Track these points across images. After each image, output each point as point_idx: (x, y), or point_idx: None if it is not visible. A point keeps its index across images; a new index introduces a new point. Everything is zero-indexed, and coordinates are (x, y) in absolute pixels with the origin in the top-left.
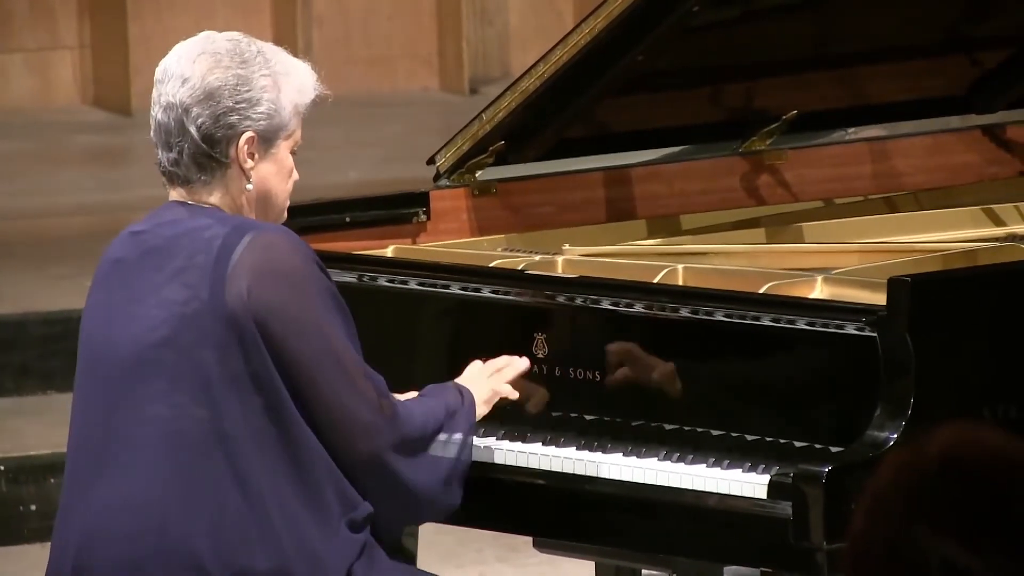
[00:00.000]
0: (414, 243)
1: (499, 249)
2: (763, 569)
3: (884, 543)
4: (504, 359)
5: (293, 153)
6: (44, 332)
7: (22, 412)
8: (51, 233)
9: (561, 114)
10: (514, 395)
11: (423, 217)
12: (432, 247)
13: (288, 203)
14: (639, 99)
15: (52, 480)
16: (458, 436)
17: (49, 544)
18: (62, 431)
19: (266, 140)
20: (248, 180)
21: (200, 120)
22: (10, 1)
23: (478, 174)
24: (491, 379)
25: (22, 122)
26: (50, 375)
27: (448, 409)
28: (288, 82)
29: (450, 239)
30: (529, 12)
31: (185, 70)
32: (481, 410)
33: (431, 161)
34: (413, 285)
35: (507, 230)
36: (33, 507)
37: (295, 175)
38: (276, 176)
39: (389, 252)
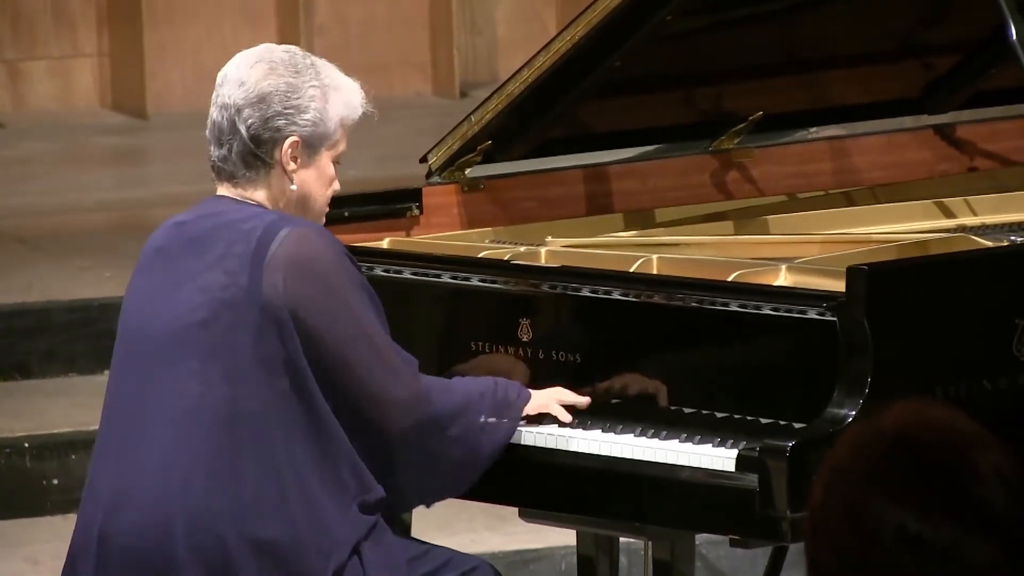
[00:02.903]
0: (408, 236)
1: (487, 241)
2: (732, 536)
3: (842, 512)
4: (571, 392)
5: (336, 163)
6: (67, 319)
7: (46, 393)
8: (74, 228)
9: (544, 116)
10: (567, 418)
11: (416, 212)
12: (425, 239)
13: (327, 208)
14: (616, 102)
15: (73, 456)
16: (502, 422)
17: (69, 515)
18: (83, 411)
19: (310, 146)
20: (292, 182)
21: (250, 121)
22: (35, 13)
23: (467, 171)
24: (553, 395)
25: (46, 125)
26: (73, 359)
27: (499, 392)
28: (337, 96)
29: (441, 232)
30: (515, 22)
31: (243, 75)
32: (530, 410)
33: (423, 160)
34: (407, 275)
35: (494, 223)
36: (56, 481)
37: (336, 184)
38: (316, 181)
39: (385, 244)
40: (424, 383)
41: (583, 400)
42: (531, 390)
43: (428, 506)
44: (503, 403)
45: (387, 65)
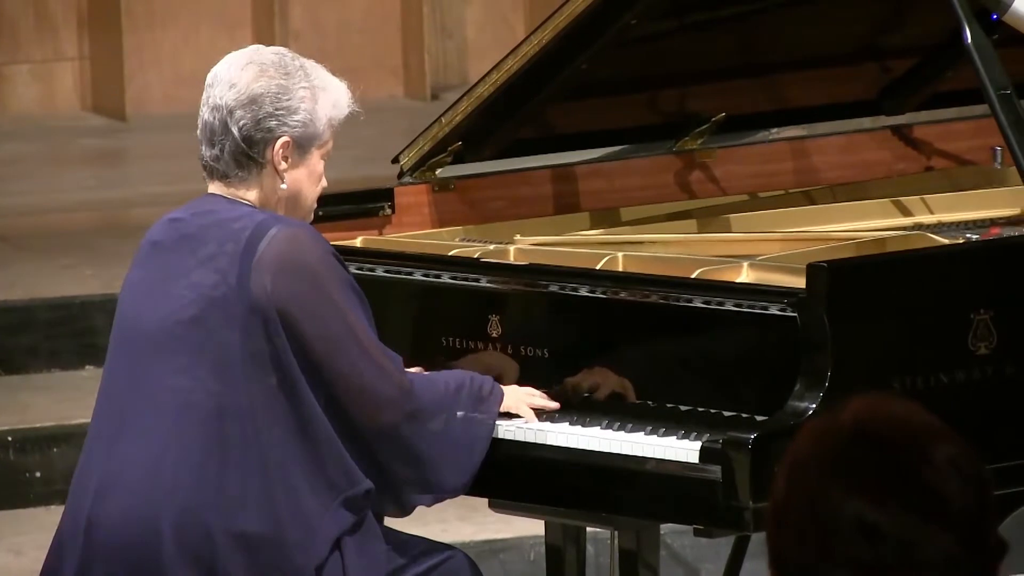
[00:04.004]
0: (381, 234)
1: (457, 239)
2: (696, 526)
3: (802, 502)
4: (541, 394)
5: (324, 161)
6: (50, 316)
7: (29, 388)
8: (56, 227)
9: (513, 117)
10: (533, 420)
11: (389, 211)
12: (397, 238)
13: (315, 206)
14: (583, 103)
15: (56, 450)
16: (479, 416)
17: (52, 508)
18: (66, 406)
19: (300, 146)
20: (282, 181)
21: (242, 122)
22: (17, 18)
23: (438, 172)
24: (524, 398)
25: (28, 127)
26: (56, 355)
27: (474, 386)
28: (325, 96)
29: (413, 231)
30: (485, 27)
31: (233, 76)
32: (502, 408)
33: (396, 160)
34: (380, 272)
35: (464, 222)
36: (38, 474)
37: (324, 182)
38: (307, 180)
39: (358, 242)
40: (408, 378)
41: (552, 404)
42: (503, 387)
43: (430, 504)
44: (479, 398)
45: (360, 69)
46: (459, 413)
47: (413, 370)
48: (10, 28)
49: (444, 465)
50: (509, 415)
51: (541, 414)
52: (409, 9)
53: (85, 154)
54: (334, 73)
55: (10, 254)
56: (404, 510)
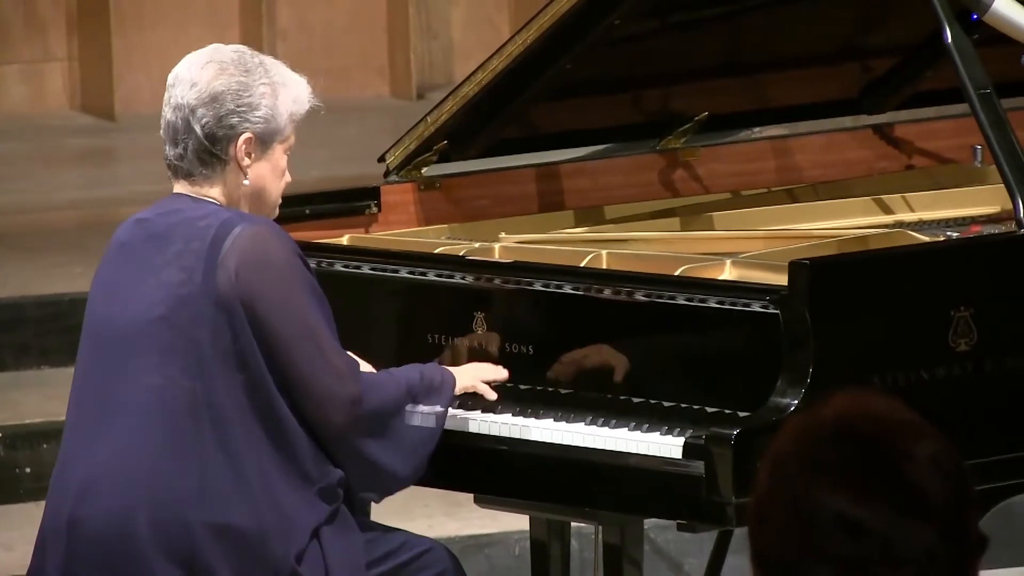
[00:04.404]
0: (367, 232)
1: (443, 237)
2: (679, 521)
3: (784, 497)
4: (489, 366)
5: (286, 156)
6: (39, 314)
7: (20, 385)
8: (46, 225)
9: (498, 116)
10: (492, 396)
11: (375, 209)
12: (383, 236)
13: (280, 200)
14: (567, 103)
15: (45, 446)
16: (433, 409)
17: (42, 503)
18: (55, 402)
19: (263, 142)
20: (245, 176)
21: (205, 120)
22: (7, 19)
23: (424, 171)
24: (475, 374)
25: (18, 127)
26: (45, 352)
27: (424, 380)
28: (285, 92)
29: (399, 229)
30: (470, 27)
31: (194, 76)
32: (456, 391)
33: (382, 159)
34: (366, 270)
35: (450, 220)
36: (28, 470)
37: (287, 176)
38: (270, 175)
39: (344, 240)
40: (362, 379)
41: (502, 373)
42: (452, 369)
43: (378, 501)
44: (430, 390)
45: (347, 69)
46: (410, 411)
47: (365, 369)
48: (0, 29)
49: (393, 463)
50: (470, 398)
51: (527, 405)
52: (395, 10)
53: (74, 153)
54: (314, 74)
55: (0, 252)
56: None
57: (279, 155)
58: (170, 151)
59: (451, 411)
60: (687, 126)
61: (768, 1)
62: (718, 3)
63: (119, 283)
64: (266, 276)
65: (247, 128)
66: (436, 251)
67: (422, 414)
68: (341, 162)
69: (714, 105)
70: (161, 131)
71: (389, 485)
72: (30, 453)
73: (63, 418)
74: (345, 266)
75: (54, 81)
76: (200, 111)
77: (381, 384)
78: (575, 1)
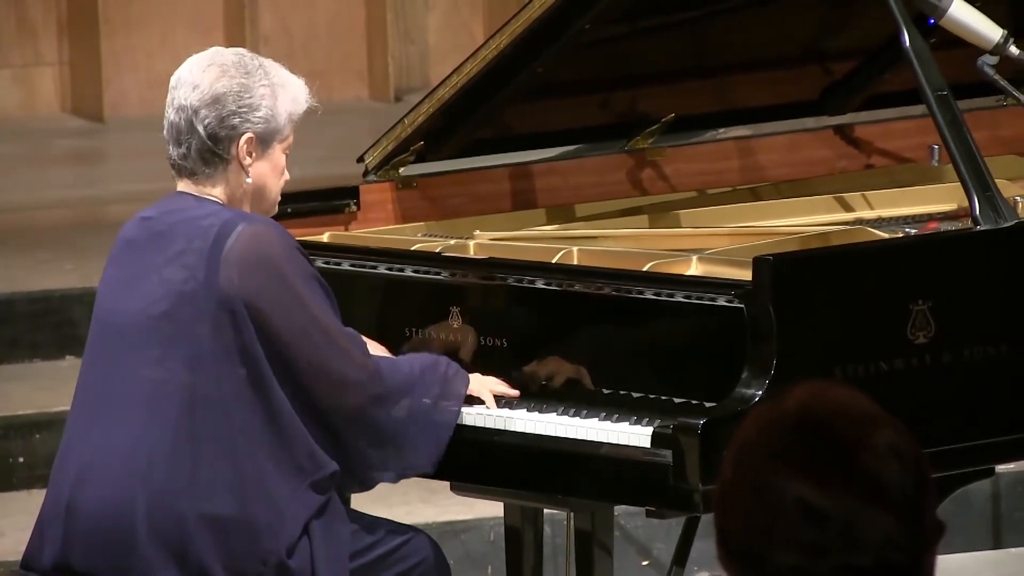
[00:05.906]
0: (346, 230)
1: (419, 235)
2: (648, 508)
3: (748, 485)
4: (505, 387)
5: (285, 155)
6: (30, 309)
7: (11, 378)
8: (37, 224)
9: (472, 118)
10: (492, 405)
11: (354, 208)
12: (362, 233)
13: (279, 198)
14: (539, 105)
15: (37, 436)
16: (449, 402)
17: (34, 491)
18: (46, 394)
19: (263, 141)
20: (247, 175)
21: (207, 121)
22: None
23: (401, 170)
24: (488, 384)
25: (10, 128)
26: (36, 346)
27: (439, 370)
28: (284, 93)
29: (378, 227)
30: (445, 32)
31: (196, 78)
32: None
33: (361, 160)
34: (346, 266)
35: (426, 218)
36: (21, 459)
37: (286, 174)
38: (270, 173)
39: (325, 238)
40: (374, 361)
41: (513, 392)
42: (469, 374)
43: (395, 481)
44: (445, 382)
45: (327, 72)
46: (424, 397)
47: (380, 353)
48: None
49: (410, 446)
50: (471, 399)
51: (500, 400)
52: (373, 15)
53: (64, 154)
54: (296, 73)
55: None
56: (366, 487)
57: (279, 154)
58: (173, 151)
59: (438, 399)
60: (654, 127)
61: (733, 6)
62: (684, 8)
63: (124, 280)
64: (268, 273)
65: (248, 128)
66: (413, 248)
67: (435, 402)
68: (322, 162)
69: (680, 107)
70: (164, 132)
71: (405, 465)
72: (22, 443)
73: (54, 409)
74: (326, 262)
75: (45, 84)
76: (203, 112)
77: (396, 366)
78: (547, 7)
